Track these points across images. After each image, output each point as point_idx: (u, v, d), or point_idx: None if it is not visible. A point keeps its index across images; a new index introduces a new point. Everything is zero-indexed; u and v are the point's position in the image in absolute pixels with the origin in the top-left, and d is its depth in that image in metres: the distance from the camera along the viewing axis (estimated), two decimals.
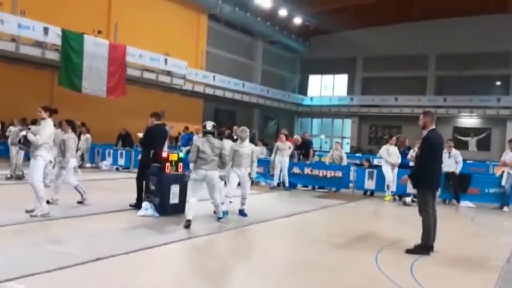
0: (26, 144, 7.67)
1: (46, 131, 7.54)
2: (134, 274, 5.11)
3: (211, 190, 7.68)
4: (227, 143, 8.95)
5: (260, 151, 16.45)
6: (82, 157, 16.24)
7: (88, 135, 17.19)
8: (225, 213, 8.36)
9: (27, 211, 7.58)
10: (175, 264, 5.57)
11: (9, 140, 12.73)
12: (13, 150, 12.24)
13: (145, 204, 8.36)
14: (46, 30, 17.94)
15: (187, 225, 7.28)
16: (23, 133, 7.88)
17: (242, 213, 8.87)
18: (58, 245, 5.93)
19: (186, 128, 21.23)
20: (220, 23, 32.14)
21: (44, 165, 7.69)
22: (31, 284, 4.40)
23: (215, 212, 8.26)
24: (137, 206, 8.65)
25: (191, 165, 7.72)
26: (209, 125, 7.87)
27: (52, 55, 18.69)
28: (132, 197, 8.98)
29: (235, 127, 16.61)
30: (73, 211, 8.18)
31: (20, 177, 12.13)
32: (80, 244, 6.02)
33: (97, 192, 10.69)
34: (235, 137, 15.99)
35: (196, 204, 7.53)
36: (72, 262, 5.08)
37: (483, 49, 32.46)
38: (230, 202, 9.09)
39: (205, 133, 7.80)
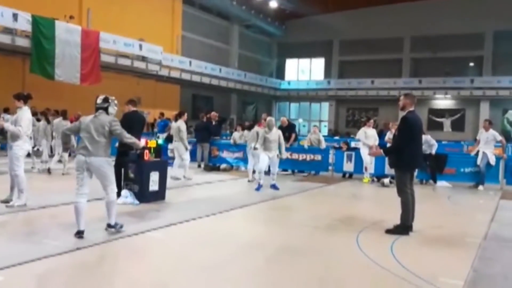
0: (2, 134, 7.46)
1: (25, 121, 7.33)
2: (116, 262, 5.06)
3: (102, 181, 6.09)
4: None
5: (239, 136, 16.42)
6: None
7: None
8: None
9: (2, 201, 7.43)
10: (156, 251, 5.52)
11: None
12: None
13: (124, 192, 8.25)
14: (15, 16, 17.39)
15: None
16: (1, 122, 7.63)
17: (275, 187, 10.60)
18: (37, 235, 5.81)
19: (162, 114, 20.98)
20: (195, 7, 31.70)
21: (24, 155, 7.49)
22: (9, 275, 4.30)
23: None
24: (116, 194, 8.52)
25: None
26: (100, 98, 6.13)
27: (23, 42, 18.17)
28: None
29: (213, 113, 16.54)
30: (51, 200, 8.02)
31: None
32: (59, 234, 5.91)
33: (74, 180, 10.52)
34: (213, 122, 16.01)
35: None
36: (51, 252, 4.99)
37: (457, 31, 32.91)
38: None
39: (96, 109, 6.08)
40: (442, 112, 35.77)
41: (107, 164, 5.92)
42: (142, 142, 8.36)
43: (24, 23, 17.73)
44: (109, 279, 4.40)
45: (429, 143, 12.55)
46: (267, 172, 10.89)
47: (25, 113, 7.40)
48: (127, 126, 8.78)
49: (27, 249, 5.12)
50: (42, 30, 18.13)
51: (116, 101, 6.15)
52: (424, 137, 12.58)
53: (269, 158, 10.51)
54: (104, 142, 5.85)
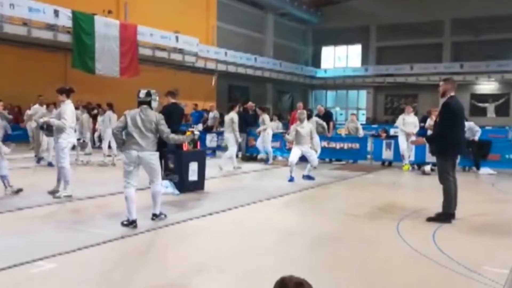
0: (49, 129, 7.74)
1: (68, 114, 7.58)
2: (160, 250, 5.20)
3: (150, 174, 6.31)
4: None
5: (275, 125, 16.44)
6: (99, 138, 16.29)
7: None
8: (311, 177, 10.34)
9: (50, 192, 7.74)
10: (199, 239, 5.64)
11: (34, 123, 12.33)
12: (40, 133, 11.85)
13: (165, 182, 8.42)
14: (56, 13, 17.88)
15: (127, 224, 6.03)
16: (45, 119, 7.94)
17: (308, 177, 10.40)
18: (84, 225, 6.04)
19: (196, 105, 21.15)
20: None
21: (69, 147, 7.75)
22: (61, 262, 4.51)
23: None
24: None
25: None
26: (143, 92, 6.22)
27: (64, 38, 18.67)
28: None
29: (249, 103, 16.60)
30: (96, 190, 8.30)
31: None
32: (105, 223, 6.13)
33: (117, 171, 10.84)
34: (250, 112, 16.06)
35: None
36: (98, 240, 5.19)
37: (500, 12, 31.56)
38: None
39: (139, 103, 6.19)
40: (485, 97, 34.54)
41: (156, 158, 6.13)
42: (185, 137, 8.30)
43: (65, 19, 18.22)
44: (156, 265, 4.53)
45: (473, 129, 12.19)
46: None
47: (68, 106, 7.64)
48: (167, 118, 8.99)
49: (75, 238, 5.34)
50: (82, 26, 18.59)
51: (157, 95, 6.28)
52: (467, 124, 12.23)
53: (301, 151, 10.37)
54: (152, 137, 6.03)
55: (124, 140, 6.09)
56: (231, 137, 12.04)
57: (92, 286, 3.98)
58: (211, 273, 4.39)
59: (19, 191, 7.74)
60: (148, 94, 6.14)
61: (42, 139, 11.87)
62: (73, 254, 4.77)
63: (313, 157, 10.50)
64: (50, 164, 11.41)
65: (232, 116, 12.10)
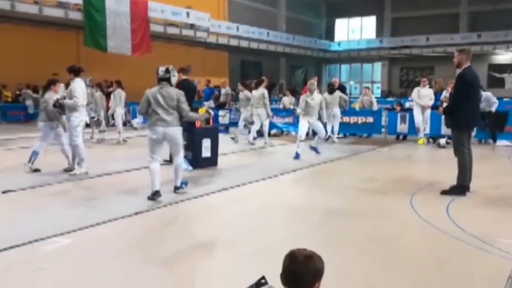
0: (62, 108, 7.78)
1: (79, 92, 7.58)
2: (174, 226, 5.26)
3: (173, 149, 6.56)
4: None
5: (289, 101, 16.33)
6: (113, 116, 16.35)
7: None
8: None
9: (65, 170, 7.85)
10: (212, 215, 5.69)
11: None
12: None
13: None
14: None
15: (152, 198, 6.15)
16: (57, 96, 7.97)
17: (315, 150, 10.11)
18: (99, 201, 6.12)
19: (208, 81, 21.00)
20: None
21: (82, 125, 7.79)
22: (76, 238, 4.59)
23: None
24: (171, 161, 8.79)
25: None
26: (162, 69, 6.23)
27: (75, 15, 18.68)
28: (165, 153, 9.13)
29: (263, 77, 16.47)
30: (109, 168, 8.39)
31: None
32: (118, 200, 6.21)
33: (130, 149, 10.94)
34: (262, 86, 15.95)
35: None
36: (112, 216, 5.26)
37: None
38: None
39: (159, 80, 6.30)
40: (503, 68, 33.77)
41: (180, 133, 6.29)
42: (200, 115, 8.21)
43: None
44: (168, 241, 4.59)
45: (490, 100, 11.97)
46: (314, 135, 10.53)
47: (78, 85, 7.64)
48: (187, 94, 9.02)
49: (90, 214, 5.41)
50: (92, 3, 18.52)
51: (175, 70, 6.36)
52: (484, 94, 12.04)
53: (309, 123, 10.07)
54: (175, 113, 6.15)
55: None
56: (263, 112, 12.12)
57: (108, 261, 4.05)
58: (222, 247, 4.43)
59: (36, 170, 7.86)
60: (167, 70, 6.21)
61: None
62: (89, 230, 4.84)
63: (320, 127, 10.15)
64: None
65: (263, 92, 12.16)
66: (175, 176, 6.45)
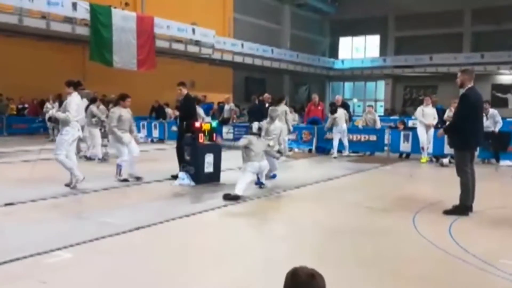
0: (56, 122, 7.81)
1: (73, 107, 7.58)
2: (176, 241, 5.25)
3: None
4: None
5: (292, 118, 16.38)
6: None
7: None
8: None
9: (66, 185, 7.80)
10: (216, 229, 5.68)
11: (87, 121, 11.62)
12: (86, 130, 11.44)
13: (181, 174, 8.51)
14: (74, 6, 18.05)
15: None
16: (52, 111, 8.03)
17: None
18: (101, 215, 6.13)
19: (204, 97, 20.93)
20: None
21: (71, 141, 7.70)
22: (77, 252, 4.59)
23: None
24: (176, 177, 8.84)
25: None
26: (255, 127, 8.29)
27: (82, 30, 18.86)
28: (168, 168, 9.16)
29: (266, 95, 16.57)
30: (113, 182, 8.41)
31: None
32: (121, 214, 6.22)
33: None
34: (267, 104, 16.05)
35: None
36: (114, 231, 5.26)
37: None
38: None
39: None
40: (506, 88, 33.81)
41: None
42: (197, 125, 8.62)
43: (83, 12, 18.38)
44: (169, 254, 4.58)
45: (495, 118, 12.02)
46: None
47: (73, 99, 7.66)
48: (190, 109, 9.13)
49: (92, 228, 5.40)
50: (99, 18, 18.74)
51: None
52: (491, 111, 12.11)
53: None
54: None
55: None
56: (285, 128, 12.26)
57: (109, 276, 4.04)
58: (223, 263, 4.42)
59: (125, 180, 8.37)
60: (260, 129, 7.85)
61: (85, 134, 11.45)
62: (90, 243, 4.84)
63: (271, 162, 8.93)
64: (87, 158, 11.65)
65: (285, 109, 12.52)
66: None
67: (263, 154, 7.88)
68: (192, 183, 8.38)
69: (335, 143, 13.36)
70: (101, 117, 11.72)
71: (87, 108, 11.58)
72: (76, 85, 7.82)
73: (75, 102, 7.69)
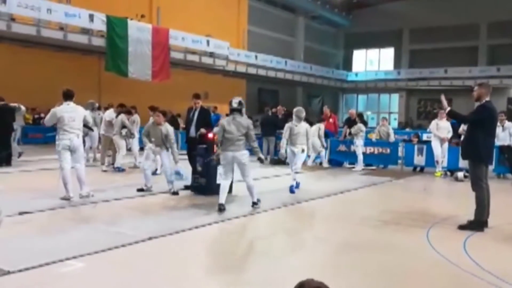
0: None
1: (48, 114, 7.91)
2: (186, 252, 5.25)
3: (242, 171, 7.26)
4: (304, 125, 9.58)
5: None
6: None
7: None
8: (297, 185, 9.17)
9: (82, 196, 7.80)
10: (226, 241, 5.67)
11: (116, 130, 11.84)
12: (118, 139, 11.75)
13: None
14: (91, 17, 18.37)
15: (220, 209, 7.05)
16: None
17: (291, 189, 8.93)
18: (113, 225, 6.15)
19: (215, 108, 21.05)
20: (261, 1, 31.83)
21: (60, 149, 7.64)
22: (90, 261, 4.61)
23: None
24: (189, 188, 8.87)
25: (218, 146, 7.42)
26: (235, 101, 7.21)
27: (98, 41, 19.14)
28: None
29: (279, 107, 16.59)
30: (126, 192, 8.46)
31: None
32: (133, 224, 6.24)
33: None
34: (280, 116, 16.07)
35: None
36: (126, 241, 5.28)
37: None
38: None
39: (231, 110, 7.24)
40: None
41: (247, 157, 7.14)
42: (210, 136, 8.65)
43: (99, 24, 18.69)
44: (179, 266, 4.58)
45: (510, 130, 11.92)
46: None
47: (56, 108, 7.87)
48: (205, 120, 9.20)
49: (105, 238, 5.43)
50: (115, 30, 19.02)
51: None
52: (507, 123, 11.99)
53: (294, 153, 9.29)
54: (243, 139, 7.09)
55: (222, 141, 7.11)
56: (318, 143, 13.10)
57: (122, 286, 4.05)
58: (232, 274, 4.40)
59: (174, 194, 8.42)
60: (240, 103, 7.18)
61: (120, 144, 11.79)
62: (103, 253, 4.86)
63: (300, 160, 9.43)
64: (118, 169, 11.68)
65: (319, 125, 13.57)
66: (250, 194, 7.32)
67: (244, 143, 7.17)
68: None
69: (360, 158, 13.50)
70: (132, 129, 11.95)
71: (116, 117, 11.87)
72: (67, 96, 7.89)
73: (52, 110, 7.90)
